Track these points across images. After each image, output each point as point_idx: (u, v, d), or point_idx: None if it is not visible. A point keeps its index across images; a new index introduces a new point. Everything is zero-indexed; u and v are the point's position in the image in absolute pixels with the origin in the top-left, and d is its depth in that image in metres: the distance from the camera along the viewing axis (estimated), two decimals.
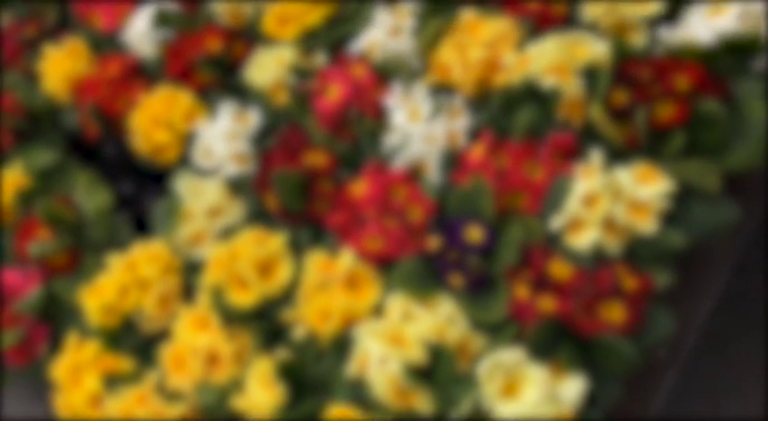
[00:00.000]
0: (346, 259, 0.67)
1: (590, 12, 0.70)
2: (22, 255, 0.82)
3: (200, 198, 0.75)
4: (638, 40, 0.67)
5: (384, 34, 0.75)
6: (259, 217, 0.76)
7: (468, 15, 0.74)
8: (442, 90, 0.73)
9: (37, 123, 0.94)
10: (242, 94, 0.84)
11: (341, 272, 0.66)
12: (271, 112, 0.80)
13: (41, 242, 0.80)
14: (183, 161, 0.84)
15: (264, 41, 0.84)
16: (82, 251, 0.82)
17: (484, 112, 0.70)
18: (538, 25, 0.72)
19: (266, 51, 0.82)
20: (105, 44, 0.94)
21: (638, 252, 0.60)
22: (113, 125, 0.89)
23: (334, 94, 0.73)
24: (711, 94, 0.61)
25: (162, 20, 0.88)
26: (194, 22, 0.88)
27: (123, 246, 0.81)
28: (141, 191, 0.94)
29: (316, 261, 0.68)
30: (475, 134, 0.69)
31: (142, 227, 0.86)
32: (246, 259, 0.69)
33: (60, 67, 0.92)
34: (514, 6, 0.73)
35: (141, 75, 0.89)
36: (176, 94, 0.84)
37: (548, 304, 0.58)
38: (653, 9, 0.66)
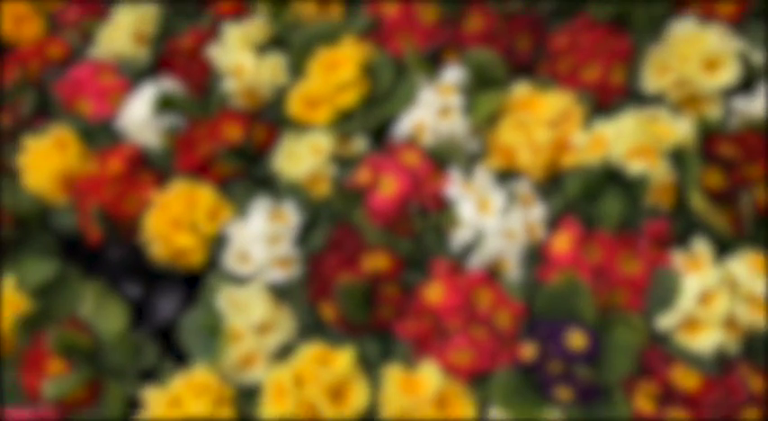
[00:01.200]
0: (432, 376, 0.60)
1: (655, 82, 0.66)
2: (31, 392, 0.71)
3: (246, 312, 0.67)
4: (714, 112, 0.64)
5: (432, 115, 0.69)
6: (312, 328, 0.68)
7: (522, 90, 0.69)
8: (505, 174, 0.67)
9: (25, 228, 0.83)
10: (268, 185, 0.76)
11: (429, 391, 0.59)
12: (308, 206, 0.72)
13: (57, 378, 0.69)
14: (211, 264, 0.75)
15: (290, 126, 0.76)
16: (101, 380, 0.72)
17: (556, 198, 0.65)
18: (598, 98, 0.68)
19: (296, 138, 0.74)
20: (97, 134, 0.84)
21: (753, 347, 0.56)
22: (119, 227, 0.78)
23: (389, 187, 0.66)
24: None
25: (165, 104, 0.79)
26: (203, 105, 0.80)
27: (150, 370, 0.71)
28: (149, 294, 0.84)
29: (394, 379, 0.61)
30: (552, 223, 0.64)
31: (166, 339, 0.76)
32: (314, 384, 0.61)
33: (47, 161, 0.81)
34: (570, 78, 0.69)
35: (147, 168, 0.79)
36: (195, 189, 0.75)
37: (679, 417, 0.53)
38: (728, 78, 0.63)
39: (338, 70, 0.73)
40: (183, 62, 0.83)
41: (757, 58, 0.65)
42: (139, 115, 0.80)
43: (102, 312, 0.75)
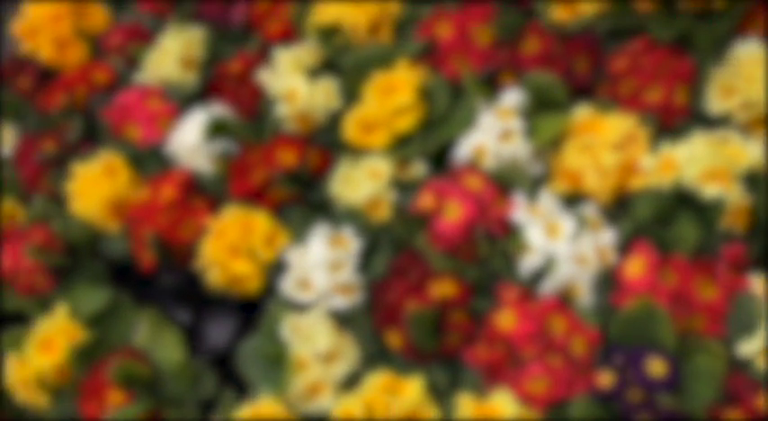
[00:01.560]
0: (507, 405, 0.59)
1: (720, 104, 0.66)
2: None
3: (311, 341, 0.66)
4: None
5: (493, 138, 0.69)
6: (377, 356, 0.67)
7: (583, 113, 0.68)
8: (570, 198, 0.67)
9: (74, 255, 0.82)
10: (324, 210, 0.76)
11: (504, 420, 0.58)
12: (368, 232, 0.71)
13: (118, 409, 0.68)
14: (268, 290, 0.74)
15: (345, 150, 0.76)
16: (161, 410, 0.71)
17: (625, 222, 0.64)
18: (661, 120, 0.68)
19: (353, 162, 0.73)
20: (146, 159, 0.83)
21: None
22: (173, 253, 0.78)
23: (454, 212, 0.65)
24: None
25: (217, 129, 0.79)
26: (256, 130, 0.79)
27: (209, 400, 0.71)
28: (201, 321, 0.84)
29: (467, 407, 0.60)
30: (622, 247, 0.63)
31: (221, 367, 0.75)
32: (385, 414, 0.61)
33: (97, 188, 0.81)
34: (632, 100, 0.68)
35: (200, 194, 0.79)
36: (250, 215, 0.74)
37: None
38: None
39: (395, 94, 0.73)
40: (233, 87, 0.83)
41: None
42: (190, 140, 0.80)
43: (157, 340, 0.75)
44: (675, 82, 0.67)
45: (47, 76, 0.92)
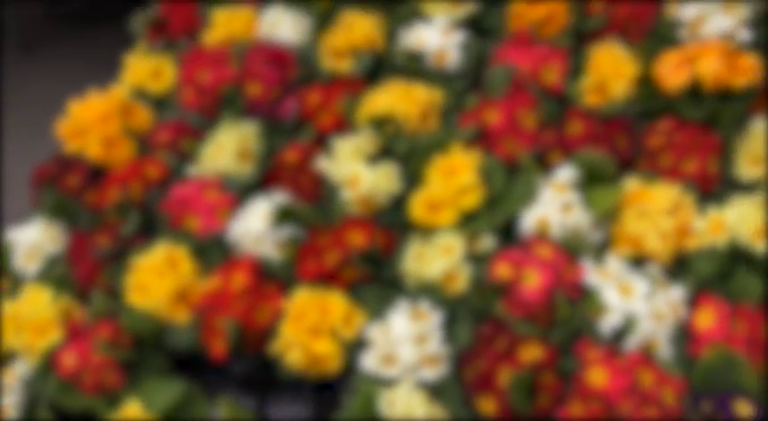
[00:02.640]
0: None
1: (749, 171, 0.75)
2: None
3: (409, 413, 0.67)
4: None
5: (555, 211, 0.75)
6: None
7: (632, 184, 0.76)
8: (631, 260, 0.73)
9: (140, 349, 0.81)
10: (394, 287, 0.79)
11: None
12: (444, 304, 0.75)
13: None
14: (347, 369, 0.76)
15: (409, 229, 0.81)
16: None
17: (687, 279, 0.71)
18: (698, 187, 0.77)
19: (424, 240, 0.78)
20: (207, 249, 0.85)
21: None
22: (246, 339, 0.79)
23: (533, 279, 0.71)
24: None
25: (284, 215, 0.82)
26: (320, 215, 0.83)
27: None
28: (267, 404, 0.84)
29: None
30: (689, 302, 0.70)
31: None
32: None
33: (160, 279, 0.82)
34: (671, 171, 0.77)
35: (268, 279, 0.81)
36: (325, 296, 0.77)
37: None
38: None
39: (456, 175, 0.79)
40: (291, 175, 0.87)
41: None
42: (256, 228, 0.83)
43: None
44: (707, 154, 0.77)
45: (95, 175, 0.94)
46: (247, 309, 0.78)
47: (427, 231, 0.79)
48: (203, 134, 0.96)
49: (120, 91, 1.01)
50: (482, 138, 0.84)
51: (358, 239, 0.80)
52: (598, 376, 0.66)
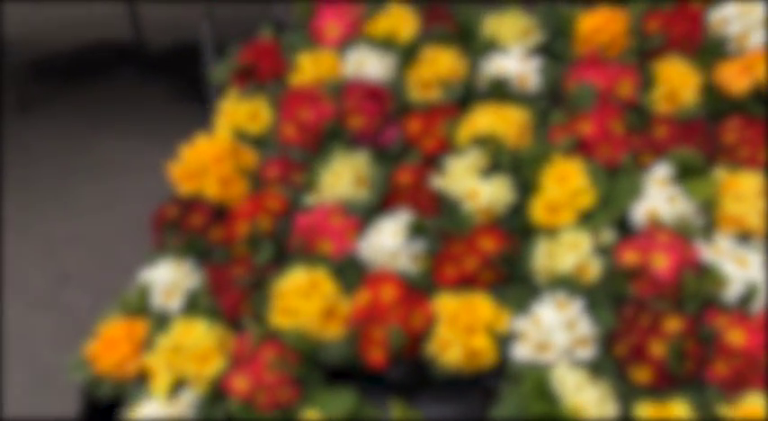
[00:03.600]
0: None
1: None
2: None
3: (581, 391, 0.76)
4: None
5: (662, 203, 0.87)
6: (625, 392, 0.79)
7: (722, 174, 0.89)
8: (736, 238, 0.85)
9: (301, 365, 0.87)
10: (524, 284, 0.88)
11: None
12: (580, 293, 0.85)
13: None
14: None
15: (531, 231, 0.90)
16: None
17: None
18: None
19: (551, 240, 0.88)
20: (343, 269, 0.92)
21: None
22: (403, 345, 0.86)
23: (662, 261, 0.81)
24: None
25: (417, 230, 0.91)
26: (450, 224, 0.92)
27: None
28: (417, 406, 0.90)
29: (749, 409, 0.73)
30: None
31: None
32: None
33: (309, 301, 0.88)
34: (750, 161, 0.90)
35: (411, 288, 0.89)
36: (471, 298, 0.85)
37: None
38: None
39: (570, 180, 0.90)
40: (409, 195, 0.96)
41: None
42: (390, 244, 0.90)
43: None
44: None
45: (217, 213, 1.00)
46: (403, 316, 0.85)
47: (550, 232, 0.89)
48: (308, 167, 1.04)
49: (222, 134, 1.08)
50: (578, 148, 0.95)
51: (489, 244, 0.89)
52: (736, 336, 0.77)
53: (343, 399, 0.83)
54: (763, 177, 0.87)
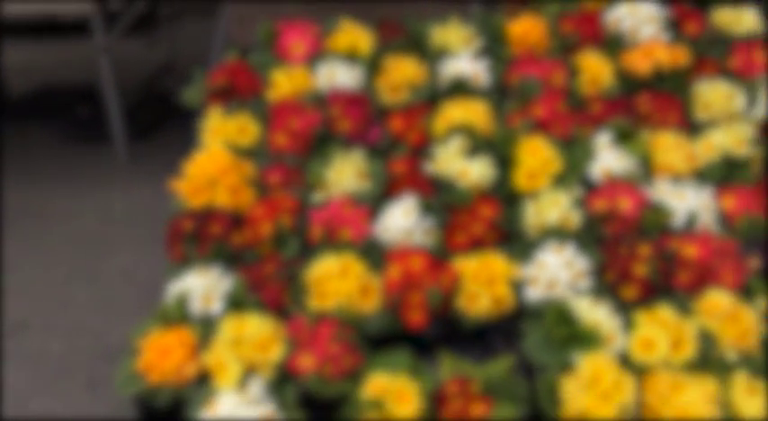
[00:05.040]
0: None
1: (702, 115, 1.17)
2: None
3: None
4: None
5: (613, 161, 1.09)
6: (617, 308, 0.98)
7: (647, 134, 1.13)
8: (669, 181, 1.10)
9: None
10: (522, 238, 1.06)
11: None
12: (564, 240, 1.04)
13: None
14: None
15: (514, 195, 1.08)
16: None
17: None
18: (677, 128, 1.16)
19: (534, 201, 1.06)
20: (366, 251, 1.03)
21: None
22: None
23: (627, 204, 1.03)
24: None
25: (428, 208, 1.05)
26: (451, 200, 1.07)
27: None
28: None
29: None
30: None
31: None
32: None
33: (345, 281, 0.98)
34: (662, 121, 1.16)
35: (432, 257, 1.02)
36: (486, 257, 1.01)
37: None
38: None
39: (540, 152, 1.09)
40: (407, 181, 1.10)
41: None
42: (405, 224, 1.04)
43: None
44: (679, 109, 1.17)
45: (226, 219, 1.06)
46: (434, 280, 0.98)
47: (532, 195, 1.08)
48: (303, 170, 1.14)
49: (216, 148, 1.13)
50: (534, 128, 1.16)
51: (489, 211, 1.06)
52: (690, 251, 1.00)
53: (398, 359, 0.94)
54: (677, 133, 1.14)
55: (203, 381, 0.94)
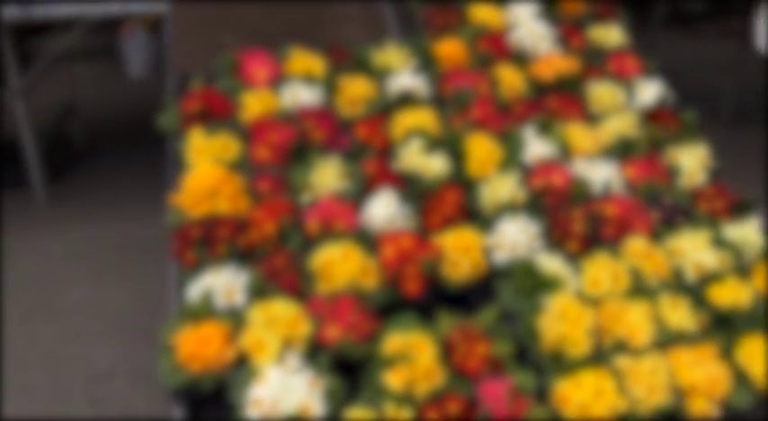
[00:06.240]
0: None
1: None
2: None
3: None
4: None
5: (540, 148, 1.35)
6: (565, 259, 1.22)
7: (560, 125, 1.41)
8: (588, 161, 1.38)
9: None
10: (480, 215, 1.28)
11: None
12: (517, 211, 1.27)
13: None
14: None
15: (469, 180, 1.30)
16: None
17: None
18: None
19: (487, 184, 1.29)
20: (357, 238, 1.19)
21: None
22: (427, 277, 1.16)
23: (558, 178, 1.29)
24: None
25: (406, 197, 1.23)
26: (420, 188, 1.26)
27: None
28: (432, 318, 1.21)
29: None
30: None
31: None
32: None
33: (348, 264, 1.13)
34: (569, 116, 1.44)
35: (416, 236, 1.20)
36: (459, 231, 1.21)
37: None
38: None
39: (485, 145, 1.32)
40: (381, 177, 1.27)
41: None
42: (387, 213, 1.21)
43: None
44: (578, 105, 1.47)
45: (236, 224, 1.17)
46: (423, 254, 1.17)
47: (485, 179, 1.31)
48: (285, 177, 1.28)
49: (207, 164, 1.24)
50: (473, 127, 1.39)
51: (454, 195, 1.27)
52: (609, 210, 1.28)
53: (407, 321, 1.11)
54: (582, 124, 1.43)
55: (240, 366, 1.04)
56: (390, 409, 0.99)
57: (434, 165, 1.31)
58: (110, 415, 1.21)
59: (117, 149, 2.64)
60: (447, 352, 1.08)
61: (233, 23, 1.65)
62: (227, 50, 1.49)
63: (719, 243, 1.28)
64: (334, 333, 1.06)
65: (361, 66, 1.48)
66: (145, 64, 3.75)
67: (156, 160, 2.43)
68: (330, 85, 1.43)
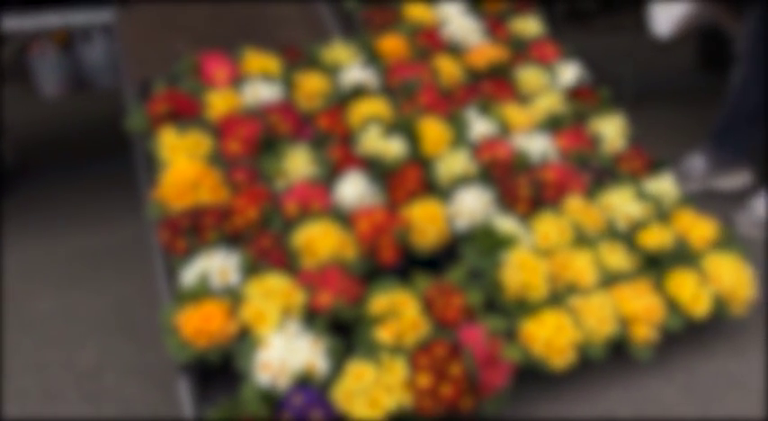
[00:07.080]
0: None
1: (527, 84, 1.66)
2: None
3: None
4: None
5: (483, 127, 1.51)
6: (516, 219, 1.39)
7: (499, 106, 1.58)
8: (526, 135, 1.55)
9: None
10: (437, 188, 1.42)
11: None
12: (469, 182, 1.42)
13: None
14: None
15: (426, 160, 1.44)
16: None
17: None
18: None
19: (441, 161, 1.43)
20: (332, 216, 1.30)
21: None
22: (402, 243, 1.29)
23: (502, 153, 1.45)
24: None
25: (374, 178, 1.35)
26: (385, 169, 1.38)
27: None
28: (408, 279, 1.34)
29: None
30: None
31: None
32: None
33: (329, 239, 1.24)
34: (503, 98, 1.62)
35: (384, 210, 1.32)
36: (423, 203, 1.35)
37: None
38: None
39: (436, 127, 1.47)
40: (347, 161, 1.39)
41: None
42: (358, 192, 1.33)
43: None
44: (510, 88, 1.64)
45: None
46: (394, 225, 1.29)
47: (439, 157, 1.45)
48: (257, 167, 1.37)
49: (184, 160, 1.31)
50: (422, 112, 1.54)
51: (414, 173, 1.40)
52: (547, 176, 1.45)
53: (388, 284, 1.23)
54: (515, 104, 1.61)
55: (243, 337, 1.13)
56: (385, 359, 1.11)
57: (393, 148, 1.44)
58: (106, 408, 1.25)
59: (53, 167, 2.61)
60: (427, 306, 1.21)
61: (181, 29, 1.72)
62: (183, 54, 1.57)
63: (642, 196, 1.48)
64: (326, 299, 1.17)
65: (313, 63, 1.60)
66: (58, 83, 3.64)
67: (99, 175, 2.44)
68: (288, 82, 1.53)
